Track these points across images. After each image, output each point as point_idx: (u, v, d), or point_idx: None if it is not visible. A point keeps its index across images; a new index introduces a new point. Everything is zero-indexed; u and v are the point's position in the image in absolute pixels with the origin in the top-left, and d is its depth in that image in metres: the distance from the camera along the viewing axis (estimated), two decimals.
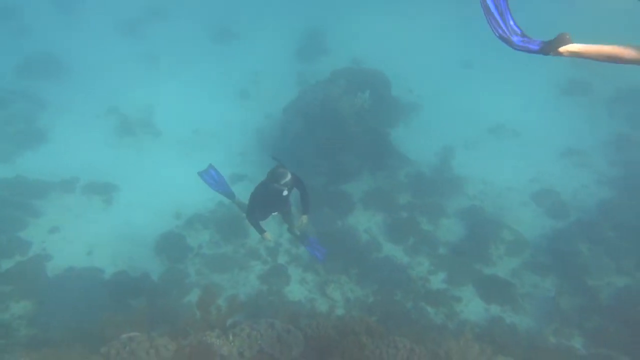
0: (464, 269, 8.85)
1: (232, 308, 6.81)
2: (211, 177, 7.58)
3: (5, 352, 6.32)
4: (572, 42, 2.28)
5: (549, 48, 2.32)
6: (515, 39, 2.45)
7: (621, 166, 11.04)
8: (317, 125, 10.78)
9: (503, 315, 8.14)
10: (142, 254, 8.95)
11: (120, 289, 7.96)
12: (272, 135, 11.83)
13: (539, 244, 9.26)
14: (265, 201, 6.29)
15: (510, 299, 8.35)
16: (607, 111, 12.71)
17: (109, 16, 16.33)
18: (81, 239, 9.02)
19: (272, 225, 9.63)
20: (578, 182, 10.61)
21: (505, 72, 13.85)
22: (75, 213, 9.59)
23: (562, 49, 2.29)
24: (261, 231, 6.49)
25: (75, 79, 13.55)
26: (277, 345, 5.67)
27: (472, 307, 8.29)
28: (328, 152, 10.61)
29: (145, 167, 10.91)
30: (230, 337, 5.80)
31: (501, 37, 2.48)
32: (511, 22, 2.47)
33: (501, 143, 11.86)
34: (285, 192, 6.05)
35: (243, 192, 10.15)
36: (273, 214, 6.80)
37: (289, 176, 5.83)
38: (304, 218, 6.65)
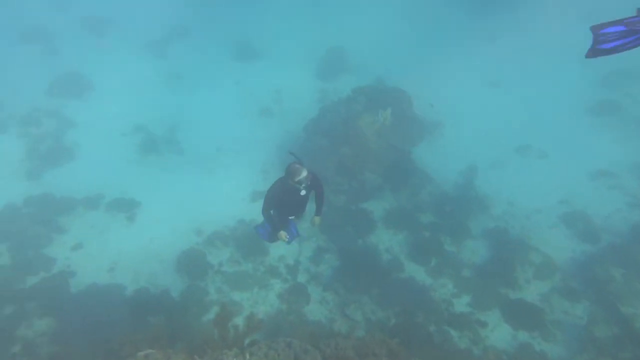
0: (489, 292, 8.55)
1: (250, 327, 6.71)
2: (265, 230, 7.22)
3: None
4: None
5: None
6: None
7: None
8: (338, 142, 10.72)
9: (532, 342, 7.79)
10: (163, 271, 8.98)
11: (141, 306, 7.98)
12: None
13: (569, 268, 8.88)
14: (282, 200, 6.06)
15: (539, 325, 7.99)
16: (638, 132, 12.28)
17: (136, 37, 16.84)
18: (104, 255, 9.13)
19: (292, 244, 9.57)
20: (610, 204, 10.16)
21: (532, 91, 13.64)
22: (99, 229, 9.72)
23: None
24: (275, 230, 6.33)
25: (103, 98, 13.94)
26: None
27: (499, 333, 7.97)
28: (349, 169, 10.53)
29: (168, 184, 11.01)
30: (247, 356, 5.68)
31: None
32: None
33: (528, 163, 11.53)
34: (303, 192, 5.90)
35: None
36: (290, 217, 6.57)
37: (304, 173, 5.64)
38: (317, 219, 6.52)
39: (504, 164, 11.46)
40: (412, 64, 15.06)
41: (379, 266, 9.09)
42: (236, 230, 9.87)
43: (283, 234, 6.37)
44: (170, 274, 8.93)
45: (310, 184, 5.95)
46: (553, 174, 11.04)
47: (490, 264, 9.03)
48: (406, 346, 6.76)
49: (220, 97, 14.37)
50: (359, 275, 8.77)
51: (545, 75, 14.24)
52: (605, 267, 8.51)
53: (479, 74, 14.67)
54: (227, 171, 11.47)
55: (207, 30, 17.68)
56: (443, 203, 10.31)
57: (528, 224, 9.81)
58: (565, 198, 10.32)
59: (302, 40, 16.89)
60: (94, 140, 12.23)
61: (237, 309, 8.24)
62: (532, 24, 16.72)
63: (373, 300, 8.49)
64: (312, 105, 13.26)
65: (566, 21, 16.73)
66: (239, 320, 7.35)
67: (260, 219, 6.78)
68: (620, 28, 2.38)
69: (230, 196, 10.69)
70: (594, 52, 2.36)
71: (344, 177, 10.52)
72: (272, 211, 6.24)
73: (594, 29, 2.40)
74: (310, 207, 6.54)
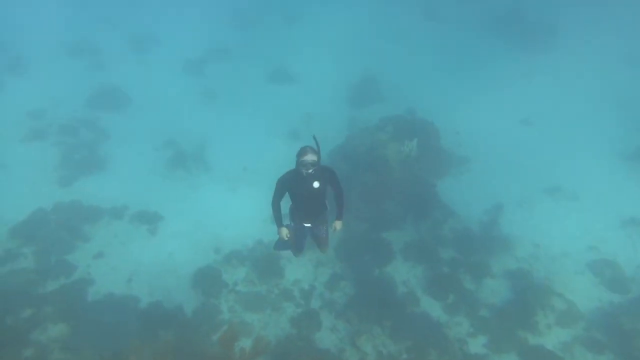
0: (507, 335, 8.20)
1: (257, 349, 6.67)
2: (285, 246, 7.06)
3: None
4: None
5: None
6: None
7: None
8: (362, 170, 10.70)
9: None
10: (178, 286, 9.05)
11: (153, 320, 8.03)
12: None
13: (595, 317, 8.44)
14: (293, 191, 5.79)
15: None
16: None
17: (178, 55, 17.48)
18: (123, 266, 9.30)
19: (307, 268, 9.55)
20: None
21: (566, 132, 13.36)
22: (121, 240, 9.94)
23: None
24: (279, 224, 6.01)
25: (139, 112, 14.47)
26: None
27: None
28: (372, 198, 10.47)
29: (192, 200, 11.22)
30: None
31: None
32: None
33: (557, 205, 11.14)
34: (316, 184, 5.63)
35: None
36: (306, 225, 6.24)
37: (310, 156, 5.39)
38: (338, 224, 6.14)
39: (532, 204, 11.12)
40: (444, 95, 15.09)
41: (394, 298, 8.90)
42: (254, 251, 9.90)
43: (285, 231, 6.04)
44: (185, 289, 8.99)
45: (322, 175, 5.69)
46: (583, 218, 10.64)
47: (510, 305, 8.69)
48: None
49: (252, 118, 14.64)
50: (373, 305, 8.60)
51: (580, 116, 14.02)
52: (633, 319, 8.06)
53: (511, 111, 14.46)
54: (251, 191, 11.55)
55: (245, 52, 18.23)
56: (465, 239, 10.07)
57: (553, 268, 9.43)
58: (594, 244, 9.90)
59: (336, 67, 17.12)
60: (126, 152, 12.63)
61: (247, 329, 8.21)
62: (570, 65, 16.53)
63: (385, 332, 8.29)
64: (340, 131, 13.33)
65: (605, 64, 16.47)
66: (247, 342, 7.34)
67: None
68: None
69: (251, 216, 10.74)
70: None
71: (365, 204, 10.46)
72: (283, 209, 5.95)
73: None
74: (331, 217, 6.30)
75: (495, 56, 17.46)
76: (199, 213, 10.79)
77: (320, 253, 6.97)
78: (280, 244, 6.86)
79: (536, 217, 10.76)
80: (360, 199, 10.46)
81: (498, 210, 10.82)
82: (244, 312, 8.62)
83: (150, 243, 9.99)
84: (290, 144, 13.58)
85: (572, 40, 17.96)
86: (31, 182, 11.21)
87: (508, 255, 9.79)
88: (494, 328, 8.33)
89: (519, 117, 14.23)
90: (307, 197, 5.82)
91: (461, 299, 8.85)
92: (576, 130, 13.31)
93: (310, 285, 9.23)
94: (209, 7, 21.09)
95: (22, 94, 14.83)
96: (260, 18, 20.53)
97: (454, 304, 8.82)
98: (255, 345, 6.63)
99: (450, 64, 16.88)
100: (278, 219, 6.02)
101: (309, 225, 6.29)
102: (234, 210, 10.98)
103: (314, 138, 5.65)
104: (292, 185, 5.74)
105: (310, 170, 5.49)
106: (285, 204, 6.06)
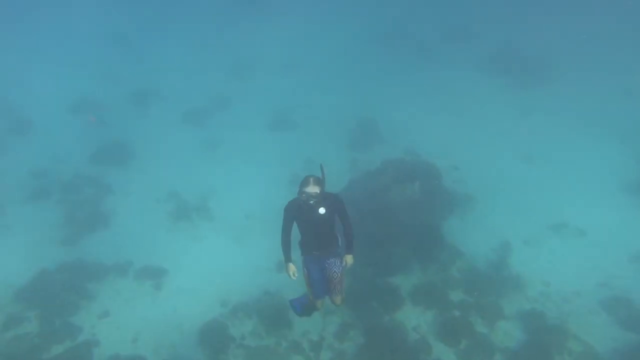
0: None
1: None
2: (300, 302, 6.96)
3: None
4: None
5: None
6: None
7: None
8: (365, 214, 10.69)
9: None
10: (185, 343, 8.88)
11: None
12: None
13: (611, 358, 8.21)
14: (299, 218, 5.64)
15: None
16: None
17: (177, 107, 17.82)
18: (128, 325, 9.14)
19: (316, 318, 9.36)
20: None
21: (569, 167, 13.36)
22: (125, 298, 9.82)
23: None
24: (287, 259, 5.76)
25: (141, 165, 14.58)
26: None
27: None
28: (376, 242, 10.41)
29: (196, 252, 11.15)
30: None
31: None
32: None
33: (565, 242, 11.01)
34: (322, 210, 5.45)
35: (290, 280, 10.11)
36: (315, 252, 5.99)
37: (312, 187, 5.24)
38: (348, 258, 5.98)
39: (539, 241, 11.02)
40: (444, 135, 15.20)
41: (405, 346, 8.69)
42: (260, 302, 9.75)
43: (292, 268, 5.76)
44: (191, 346, 8.81)
45: (327, 203, 5.51)
46: (591, 254, 10.49)
47: (526, 348, 8.47)
48: None
49: (253, 166, 14.75)
50: (384, 354, 8.40)
51: (582, 151, 14.04)
52: None
53: (512, 147, 14.53)
54: (255, 239, 11.51)
55: (245, 100, 18.54)
56: (474, 280, 9.94)
57: (566, 308, 9.23)
58: (604, 281, 9.73)
59: (335, 111, 17.37)
60: (129, 206, 12.66)
61: None
62: (568, 99, 16.73)
63: None
64: (342, 175, 13.37)
65: (603, 96, 16.67)
66: None
67: (294, 291, 6.48)
68: None
69: (256, 265, 10.68)
70: None
71: (370, 249, 10.38)
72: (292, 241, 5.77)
73: None
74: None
75: (492, 94, 17.73)
76: (204, 265, 10.71)
77: (334, 304, 6.56)
78: (297, 304, 6.68)
79: (544, 254, 10.64)
80: (364, 244, 10.39)
81: (505, 249, 10.73)
82: None
83: (155, 299, 9.86)
84: (292, 190, 13.56)
85: (568, 73, 18.23)
86: (35, 243, 11.19)
87: (519, 295, 9.62)
88: None
89: (520, 154, 14.27)
90: (314, 225, 5.64)
91: (474, 344, 8.63)
92: (579, 165, 13.30)
93: (319, 335, 9.04)
94: (208, 58, 21.72)
95: (25, 154, 15.05)
96: (258, 66, 21.03)
97: (467, 349, 8.59)
98: None
99: (447, 103, 17.10)
100: (286, 253, 5.77)
101: (318, 253, 5.99)
102: (239, 260, 10.90)
103: (321, 167, 5.56)
104: (297, 213, 5.60)
105: (311, 202, 5.36)
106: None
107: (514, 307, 9.34)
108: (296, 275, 5.88)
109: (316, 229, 5.72)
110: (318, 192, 5.33)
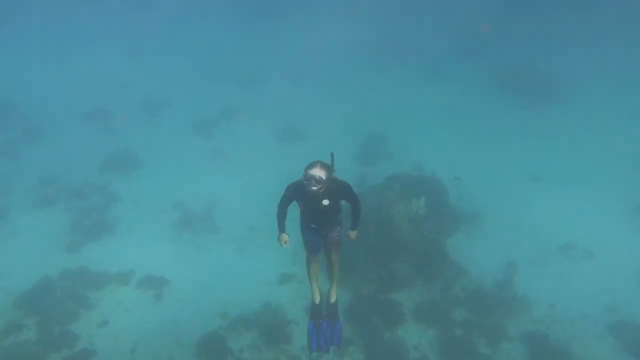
0: None
1: None
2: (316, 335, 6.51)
3: None
4: None
5: None
6: None
7: None
8: (369, 229, 10.58)
9: None
10: (183, 355, 8.82)
11: None
12: None
13: None
14: (301, 202, 5.47)
15: None
16: None
17: (186, 117, 17.95)
18: (127, 334, 9.11)
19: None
20: None
21: (579, 188, 13.12)
22: (126, 307, 9.80)
23: None
24: (280, 229, 5.62)
25: (149, 175, 14.67)
26: None
27: None
28: (380, 258, 10.29)
29: (199, 262, 11.12)
30: None
31: None
32: None
33: (572, 264, 10.79)
34: (326, 202, 5.20)
35: (291, 293, 10.07)
36: (312, 225, 5.82)
37: (317, 171, 4.96)
38: (351, 234, 5.85)
39: (546, 262, 10.80)
40: (452, 152, 15.06)
41: None
42: (260, 315, 9.67)
43: (285, 237, 5.64)
44: (189, 358, 8.74)
45: (334, 193, 5.28)
46: (599, 277, 10.26)
47: None
48: None
49: (260, 177, 14.73)
50: None
51: (592, 172, 13.83)
52: None
53: (521, 166, 14.36)
54: (258, 251, 11.47)
55: (254, 112, 18.56)
56: (478, 299, 9.76)
57: (572, 332, 9.01)
58: (612, 304, 9.48)
59: (344, 125, 17.34)
60: (135, 215, 12.70)
61: None
62: (578, 119, 16.56)
63: None
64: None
65: (614, 117, 16.45)
66: None
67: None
68: None
69: (258, 278, 10.63)
70: None
71: (373, 264, 10.27)
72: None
73: None
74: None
75: (502, 113, 17.59)
76: (206, 276, 10.67)
77: (329, 260, 6.26)
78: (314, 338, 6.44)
79: (551, 276, 10.42)
80: (368, 260, 10.29)
81: (511, 268, 10.52)
82: None
83: (155, 310, 9.82)
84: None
85: (578, 94, 18.04)
86: (40, 250, 11.26)
87: (524, 316, 9.42)
88: None
89: (529, 173, 14.08)
90: (316, 211, 5.48)
91: None
92: (588, 186, 13.06)
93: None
94: (218, 69, 21.92)
95: (36, 161, 15.25)
96: (268, 78, 21.14)
97: None
98: None
99: (456, 120, 16.99)
100: (281, 224, 5.63)
101: (315, 227, 5.81)
102: (241, 272, 10.85)
103: (331, 155, 5.30)
104: (299, 196, 5.42)
105: (314, 188, 5.08)
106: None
107: (518, 329, 9.14)
108: (288, 244, 5.73)
109: (318, 214, 5.58)
110: (323, 177, 5.05)
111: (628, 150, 14.81)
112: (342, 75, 21.05)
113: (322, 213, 5.49)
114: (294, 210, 5.80)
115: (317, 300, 6.40)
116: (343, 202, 5.65)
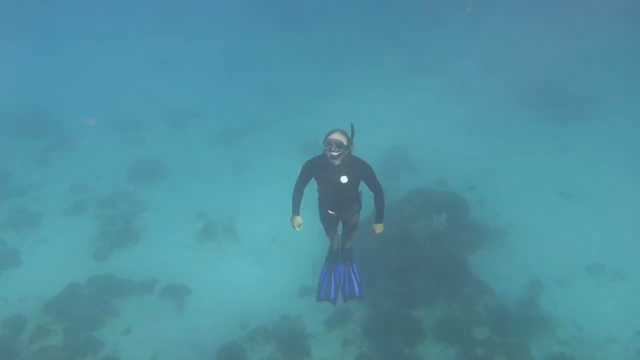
0: None
1: None
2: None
3: None
4: None
5: None
6: None
7: None
8: (390, 244, 10.52)
9: None
10: None
11: None
12: None
13: None
14: (319, 180, 5.39)
15: None
16: None
17: (212, 128, 18.30)
18: (149, 343, 9.26)
19: (334, 347, 9.20)
20: None
21: (610, 206, 12.76)
22: (149, 315, 9.98)
23: None
24: (295, 211, 5.63)
25: (174, 184, 14.95)
26: None
27: None
28: (400, 273, 10.20)
29: (221, 273, 11.23)
30: None
31: None
32: None
33: (601, 285, 10.46)
34: (344, 179, 5.12)
35: (311, 306, 10.05)
36: (330, 212, 5.76)
37: (337, 135, 4.89)
38: (376, 227, 5.72)
39: (573, 282, 10.50)
40: (476, 168, 14.85)
41: None
42: (279, 327, 9.71)
43: (298, 220, 5.63)
44: None
45: (353, 169, 5.17)
46: (630, 300, 9.90)
47: None
48: None
49: (283, 189, 14.79)
50: None
51: (623, 190, 13.44)
52: None
53: (549, 182, 14.05)
54: (279, 263, 11.54)
55: (279, 124, 18.77)
56: (501, 318, 9.55)
57: (599, 355, 8.71)
58: None
59: (367, 137, 17.26)
60: (160, 224, 12.95)
61: None
62: (608, 135, 16.15)
63: None
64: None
65: None
66: None
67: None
68: None
69: (278, 290, 10.67)
70: None
71: (393, 280, 10.19)
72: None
73: None
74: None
75: (529, 127, 17.30)
76: (227, 286, 10.77)
77: (350, 232, 6.33)
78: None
79: (578, 296, 10.10)
80: (388, 275, 10.21)
81: (536, 287, 10.27)
82: None
83: (177, 318, 9.97)
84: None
85: (608, 110, 17.64)
86: (69, 256, 11.60)
87: (549, 338, 9.16)
88: None
89: (558, 190, 13.76)
90: (334, 189, 5.38)
91: None
92: (619, 204, 12.67)
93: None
94: (244, 81, 22.30)
95: (68, 169, 15.75)
96: (292, 91, 21.39)
97: None
98: None
99: (482, 135, 16.80)
100: (295, 206, 5.60)
101: (333, 213, 5.74)
102: (261, 283, 10.91)
103: (352, 126, 5.20)
104: (317, 173, 5.36)
105: (334, 152, 4.98)
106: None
107: (542, 350, 8.89)
108: (301, 227, 5.73)
109: (336, 193, 5.48)
110: (343, 142, 4.98)
111: None
112: (364, 88, 21.07)
113: (340, 193, 5.41)
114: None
115: (336, 246, 6.60)
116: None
